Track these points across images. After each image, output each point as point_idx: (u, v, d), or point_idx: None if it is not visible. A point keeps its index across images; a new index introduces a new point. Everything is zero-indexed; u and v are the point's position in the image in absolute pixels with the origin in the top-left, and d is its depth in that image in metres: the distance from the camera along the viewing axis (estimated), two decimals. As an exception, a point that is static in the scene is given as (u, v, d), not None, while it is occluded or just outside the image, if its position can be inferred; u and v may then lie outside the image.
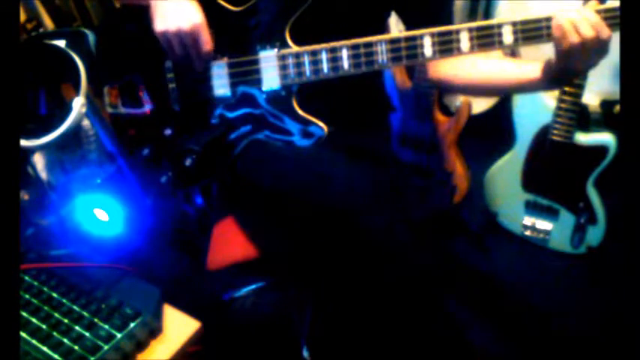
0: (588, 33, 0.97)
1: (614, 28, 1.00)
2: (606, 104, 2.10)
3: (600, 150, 1.74)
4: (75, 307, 0.90)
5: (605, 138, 1.74)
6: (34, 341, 0.86)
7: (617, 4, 0.99)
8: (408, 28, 1.13)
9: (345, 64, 1.12)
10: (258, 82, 1.19)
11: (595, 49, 0.99)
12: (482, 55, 1.14)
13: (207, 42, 1.15)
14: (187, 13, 1.12)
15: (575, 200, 1.85)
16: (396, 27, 1.37)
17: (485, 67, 1.19)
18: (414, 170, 2.00)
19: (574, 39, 0.98)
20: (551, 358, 1.64)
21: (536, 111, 1.81)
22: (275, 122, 1.19)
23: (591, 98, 2.11)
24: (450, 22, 1.23)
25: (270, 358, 1.57)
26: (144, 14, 1.16)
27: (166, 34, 1.13)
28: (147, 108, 1.26)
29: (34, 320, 0.89)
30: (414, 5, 1.22)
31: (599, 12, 0.99)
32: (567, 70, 1.04)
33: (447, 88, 1.32)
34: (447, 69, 1.24)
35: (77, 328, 0.87)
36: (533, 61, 1.13)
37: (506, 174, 1.95)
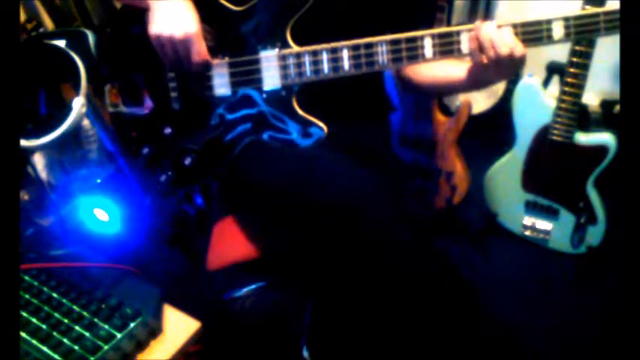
0: (503, 50, 1.03)
1: (613, 31, 1.00)
2: (606, 104, 2.10)
3: (600, 150, 1.74)
4: (75, 307, 0.90)
5: (605, 138, 1.74)
6: (34, 341, 0.85)
7: (615, 7, 0.99)
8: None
9: (346, 64, 1.12)
10: (258, 82, 1.19)
11: (508, 65, 1.06)
12: None
13: (199, 52, 1.15)
14: (182, 21, 1.13)
15: (575, 200, 1.85)
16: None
17: (436, 68, 1.26)
18: (414, 170, 2.00)
19: (490, 54, 1.05)
20: (551, 357, 1.64)
21: (536, 111, 1.81)
22: (275, 122, 1.19)
23: (591, 98, 2.12)
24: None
25: (270, 358, 1.57)
26: (144, 14, 1.16)
27: (159, 39, 1.14)
28: (147, 107, 1.26)
29: (34, 320, 0.89)
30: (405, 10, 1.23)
31: (517, 26, 1.05)
32: (483, 78, 1.13)
33: (405, 84, 1.37)
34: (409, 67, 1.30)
35: (77, 328, 0.87)
36: (463, 63, 1.20)
37: (506, 174, 1.95)
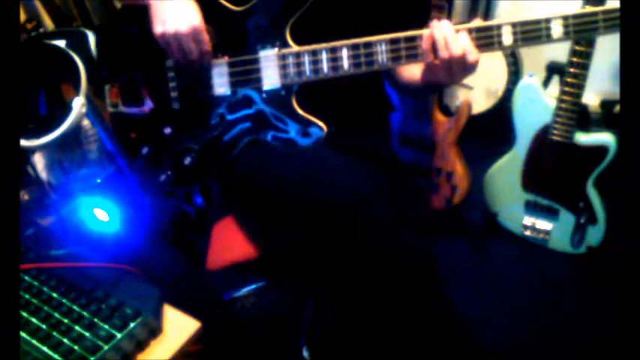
0: (457, 52, 1.04)
1: (613, 30, 1.00)
2: (606, 104, 2.10)
3: (600, 150, 1.74)
4: (75, 307, 0.90)
5: (605, 138, 1.74)
6: (34, 341, 0.85)
7: (616, 5, 0.99)
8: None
9: (345, 64, 1.12)
10: (258, 82, 1.19)
11: (459, 69, 1.07)
12: None
13: (205, 42, 1.15)
14: (185, 14, 1.12)
15: (575, 200, 1.85)
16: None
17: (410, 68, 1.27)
18: (414, 170, 2.00)
19: (443, 54, 1.06)
20: (550, 357, 1.64)
21: (536, 111, 1.81)
22: (275, 122, 1.19)
23: (591, 98, 2.12)
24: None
25: (270, 358, 1.57)
26: (145, 13, 1.16)
27: (165, 36, 1.13)
28: (147, 107, 1.26)
29: (34, 320, 0.89)
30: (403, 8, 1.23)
31: (474, 30, 1.05)
32: (430, 79, 1.13)
33: (392, 81, 1.37)
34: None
35: (77, 328, 0.87)
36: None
37: (506, 174, 1.95)
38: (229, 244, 1.33)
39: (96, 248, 1.05)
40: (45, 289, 0.94)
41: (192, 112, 1.24)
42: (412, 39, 1.09)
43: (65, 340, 0.85)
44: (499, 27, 1.04)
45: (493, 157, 1.98)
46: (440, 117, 1.92)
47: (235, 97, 1.21)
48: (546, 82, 2.04)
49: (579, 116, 1.75)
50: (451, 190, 1.96)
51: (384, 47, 1.10)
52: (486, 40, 1.06)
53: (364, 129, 1.32)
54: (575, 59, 1.66)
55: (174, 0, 1.13)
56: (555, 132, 1.77)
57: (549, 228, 1.94)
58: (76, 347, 0.84)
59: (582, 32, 1.02)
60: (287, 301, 1.62)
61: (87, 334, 0.86)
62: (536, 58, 2.15)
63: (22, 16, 1.67)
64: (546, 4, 1.98)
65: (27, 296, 0.93)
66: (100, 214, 1.15)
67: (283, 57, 1.16)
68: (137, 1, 1.19)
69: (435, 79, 1.12)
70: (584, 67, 1.67)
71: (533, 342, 1.67)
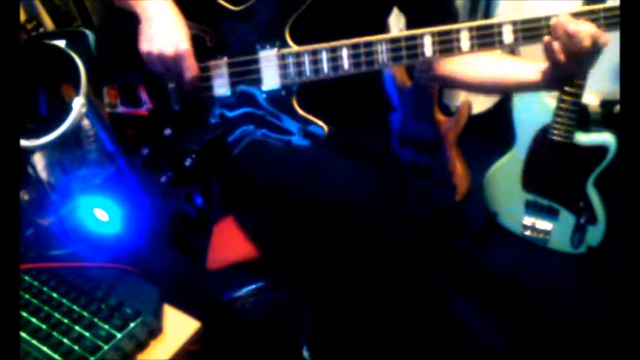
0: (586, 43, 0.97)
1: (614, 27, 1.00)
2: (606, 104, 2.10)
3: (600, 150, 1.74)
4: (75, 307, 0.90)
5: (605, 138, 1.74)
6: (34, 341, 0.86)
7: (617, 3, 0.99)
8: (411, 26, 1.13)
9: (346, 63, 1.12)
10: (258, 82, 1.19)
11: (592, 55, 1.00)
12: (486, 53, 1.15)
13: (190, 69, 1.14)
14: (173, 38, 1.11)
15: (575, 200, 1.85)
16: (396, 26, 1.37)
17: (486, 66, 1.20)
18: (414, 170, 2.00)
19: (571, 49, 0.98)
20: (551, 357, 1.64)
21: (536, 111, 1.81)
22: (275, 122, 1.19)
23: (591, 98, 2.11)
24: (454, 18, 1.23)
25: (270, 358, 1.57)
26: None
27: (149, 55, 1.13)
28: (146, 107, 1.26)
29: (34, 320, 0.89)
30: (417, 2, 1.22)
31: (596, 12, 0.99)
32: (567, 74, 1.05)
33: (450, 85, 1.33)
34: (450, 66, 1.25)
35: (77, 328, 0.87)
36: (534, 62, 1.13)
37: (506, 174, 1.95)
38: (229, 244, 1.33)
39: (96, 248, 1.05)
40: (45, 289, 0.94)
41: (192, 112, 1.24)
42: (413, 38, 1.09)
43: (65, 340, 0.85)
44: (500, 25, 1.04)
45: (493, 157, 1.98)
46: (440, 117, 1.92)
47: (235, 98, 1.21)
48: (546, 82, 2.04)
49: (579, 116, 1.75)
50: (451, 190, 1.96)
51: (384, 47, 1.10)
52: (487, 38, 1.06)
53: (364, 129, 1.32)
54: (575, 59, 1.66)
55: (163, 19, 1.12)
56: (555, 132, 1.78)
57: (549, 228, 1.94)
58: (76, 347, 0.84)
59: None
60: (287, 301, 1.62)
61: (87, 334, 0.86)
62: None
63: (22, 16, 1.67)
64: (546, 3, 1.98)
65: (27, 296, 0.93)
66: (100, 214, 1.15)
67: (283, 57, 1.16)
68: (126, 5, 1.18)
69: (565, 73, 1.05)
70: (585, 67, 1.66)
71: (532, 342, 1.67)
